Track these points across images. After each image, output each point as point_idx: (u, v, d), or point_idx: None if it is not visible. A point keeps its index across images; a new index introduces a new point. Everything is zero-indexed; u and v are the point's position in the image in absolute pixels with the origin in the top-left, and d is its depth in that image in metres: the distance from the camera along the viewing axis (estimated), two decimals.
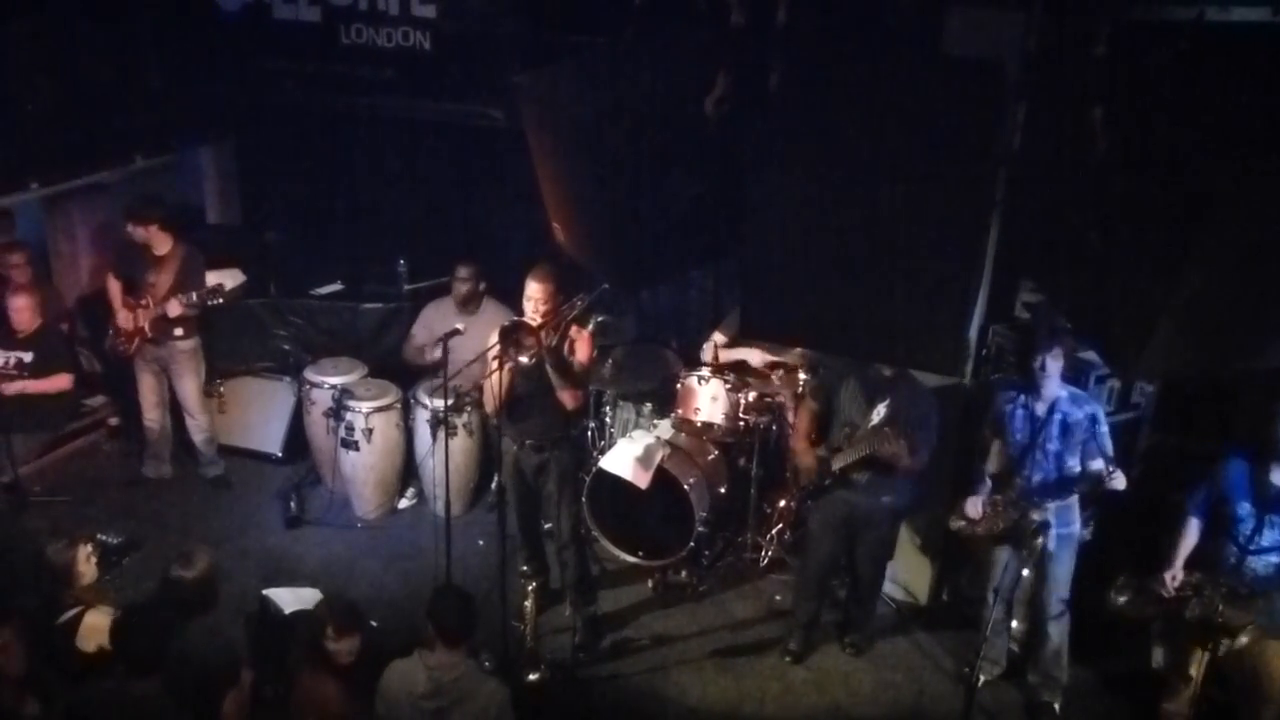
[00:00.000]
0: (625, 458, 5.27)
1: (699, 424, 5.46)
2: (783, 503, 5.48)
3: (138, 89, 5.89)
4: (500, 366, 4.27)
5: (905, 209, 3.80)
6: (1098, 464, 4.05)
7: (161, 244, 5.57)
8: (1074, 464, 4.17)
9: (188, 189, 6.91)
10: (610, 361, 5.87)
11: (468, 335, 4.78)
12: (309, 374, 5.97)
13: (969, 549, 4.48)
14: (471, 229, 6.54)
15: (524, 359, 4.19)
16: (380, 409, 5.74)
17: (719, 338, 5.67)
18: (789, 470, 5.00)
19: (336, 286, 6.49)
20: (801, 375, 5.39)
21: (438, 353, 4.59)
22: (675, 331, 6.42)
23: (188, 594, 3.78)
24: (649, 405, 5.76)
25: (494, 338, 4.26)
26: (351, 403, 5.72)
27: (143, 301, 5.59)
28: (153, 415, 5.87)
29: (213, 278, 5.59)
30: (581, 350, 4.51)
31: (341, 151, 6.65)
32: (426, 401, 5.64)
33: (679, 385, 5.52)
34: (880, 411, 4.34)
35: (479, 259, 5.72)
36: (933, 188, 3.73)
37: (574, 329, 4.54)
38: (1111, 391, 4.66)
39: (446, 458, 4.72)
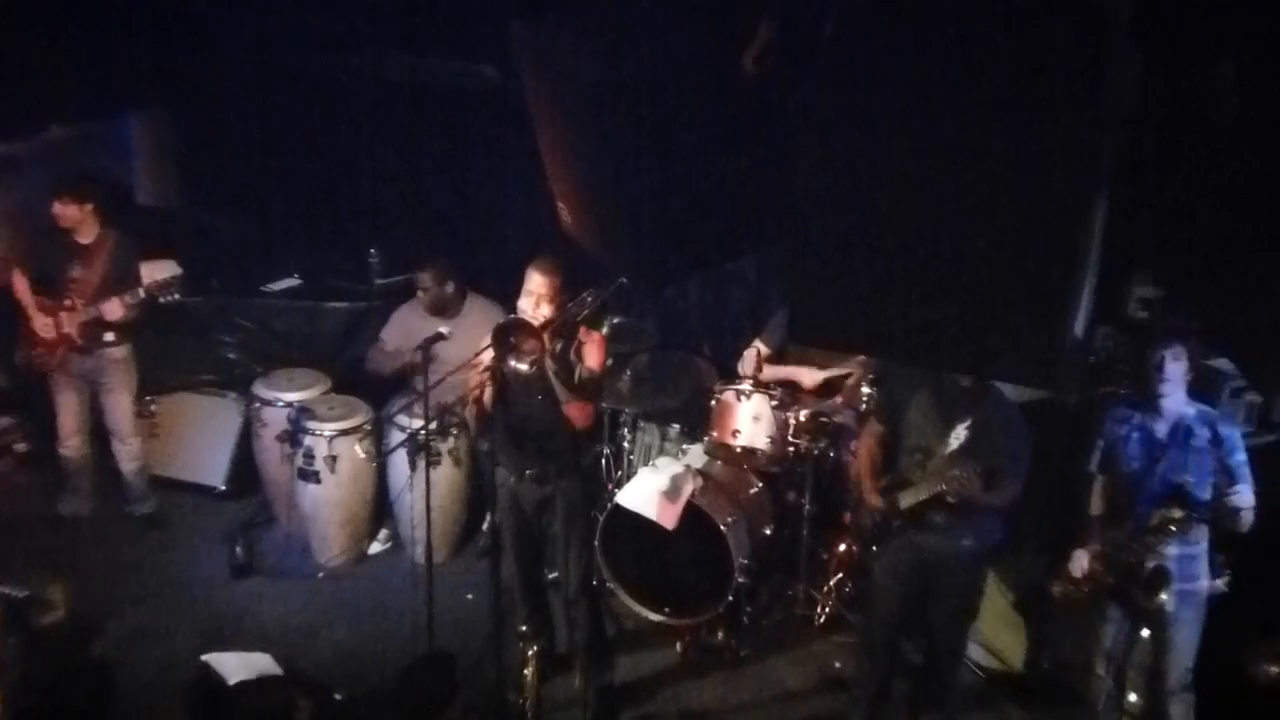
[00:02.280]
0: (647, 492, 5.36)
1: (739, 450, 5.54)
2: (842, 547, 5.55)
3: (54, 47, 6.00)
4: (493, 376, 4.33)
5: (989, 185, 3.82)
6: (1233, 498, 4.06)
7: (89, 230, 5.65)
8: (1202, 497, 4.15)
9: (111, 163, 7.01)
10: (628, 373, 5.99)
11: (454, 340, 4.91)
12: (259, 389, 6.08)
13: (1074, 609, 4.55)
14: (460, 213, 6.68)
15: (522, 366, 4.25)
16: (346, 432, 5.83)
17: (763, 345, 5.82)
18: (849, 507, 5.08)
19: (293, 282, 6.66)
20: (865, 390, 5.44)
21: (415, 357, 4.73)
22: (709, 336, 6.57)
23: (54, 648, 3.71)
24: (676, 427, 5.89)
25: (486, 340, 4.32)
26: (311, 424, 5.82)
27: (66, 302, 5.65)
28: (72, 441, 5.95)
29: (145, 272, 5.71)
30: (592, 357, 4.57)
31: (301, 120, 6.75)
32: (404, 422, 5.74)
33: (713, 402, 5.60)
34: (959, 434, 4.40)
35: (446, 257, 5.85)
36: (1023, 160, 3.75)
37: (583, 332, 4.60)
38: (1250, 408, 4.68)
39: (428, 492, 4.79)
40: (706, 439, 5.61)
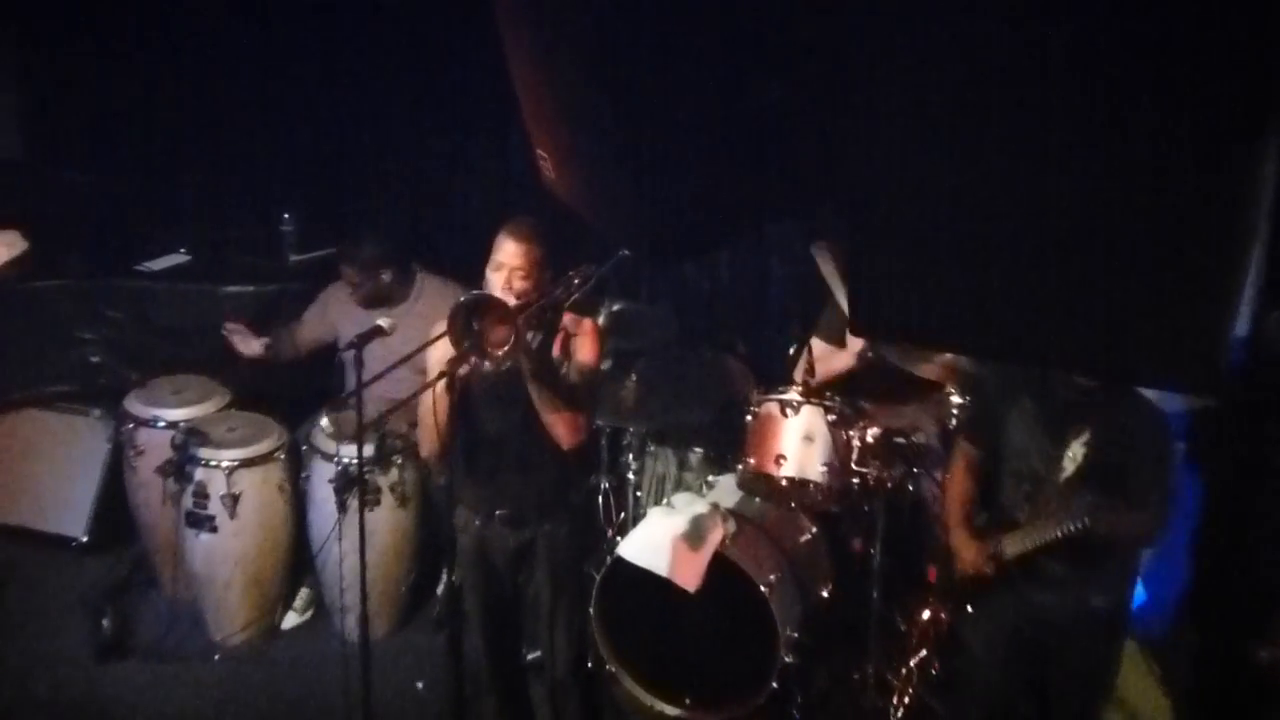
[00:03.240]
0: (660, 541, 5.44)
1: (785, 482, 5.56)
2: (926, 613, 5.39)
3: None
4: (450, 381, 4.35)
5: (1126, 130, 3.80)
6: None
7: None
8: None
9: None
10: (634, 378, 6.08)
11: (400, 336, 4.94)
12: (134, 404, 6.15)
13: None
14: (405, 164, 6.81)
15: (490, 365, 4.33)
16: (252, 461, 5.91)
17: (817, 342, 5.89)
18: (935, 559, 5.11)
19: (180, 258, 6.74)
20: (954, 400, 5.46)
21: (345, 358, 4.82)
22: (743, 328, 6.66)
23: None
24: (699, 451, 6.01)
25: (440, 329, 4.37)
26: (204, 452, 5.87)
27: None
28: None
29: None
30: (584, 353, 4.68)
31: (186, 41, 6.82)
32: (330, 448, 5.80)
33: (750, 417, 5.66)
34: (1076, 452, 4.50)
35: (379, 235, 6.03)
36: (1172, 100, 3.73)
37: (571, 320, 4.71)
38: None
39: (363, 542, 4.74)
40: (741, 468, 5.67)
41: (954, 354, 5.38)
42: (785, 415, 5.57)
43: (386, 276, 5.96)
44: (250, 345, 6.11)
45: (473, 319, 4.26)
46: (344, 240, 6.11)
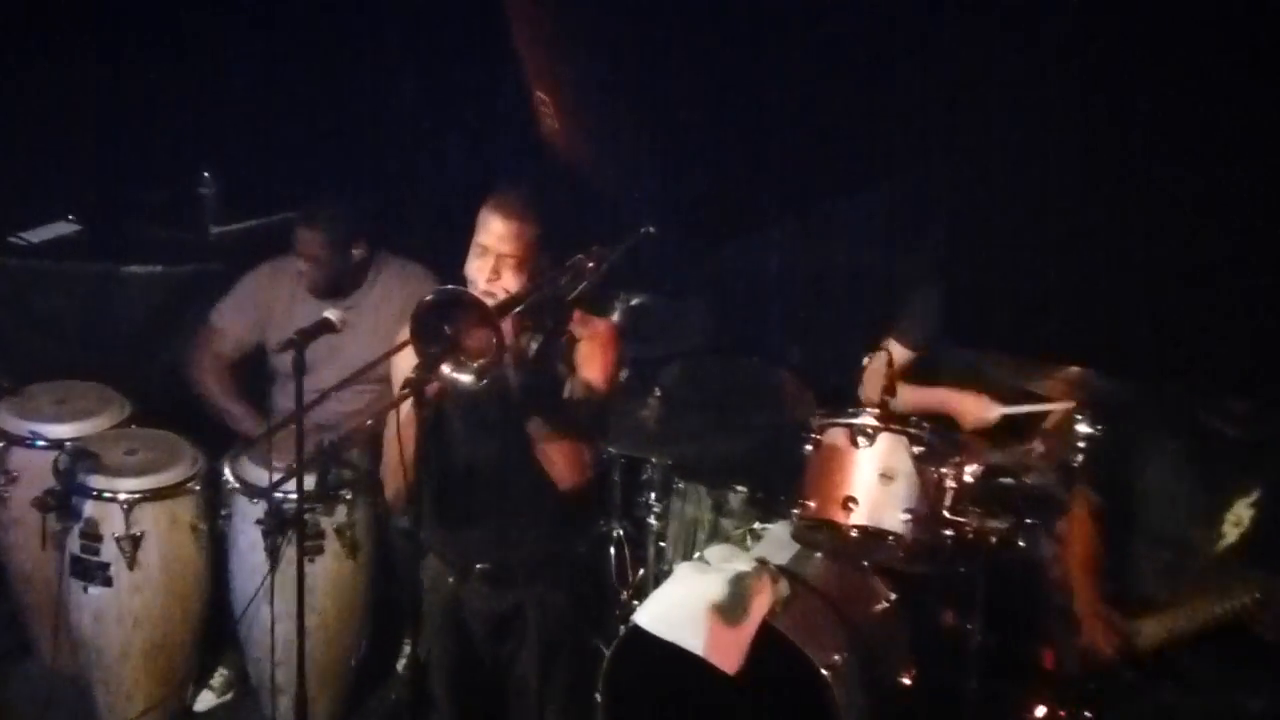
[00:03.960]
0: (690, 606, 5.42)
1: (854, 532, 5.50)
2: (1041, 711, 5.38)
3: None
4: (417, 397, 4.33)
5: None
6: None
7: None
8: None
9: None
10: (658, 394, 6.13)
11: (352, 334, 5.04)
12: (3, 416, 6.24)
13: None
14: (359, 111, 6.90)
15: (466, 378, 4.32)
16: (160, 494, 5.91)
17: (899, 349, 5.89)
18: (1052, 638, 5.10)
19: (67, 228, 6.83)
20: (1080, 430, 5.28)
21: (278, 363, 5.01)
22: (799, 330, 6.63)
23: None
24: (742, 490, 6.02)
25: (403, 331, 4.39)
26: (97, 480, 5.88)
27: None
28: None
29: None
30: (593, 362, 4.75)
31: None
32: (258, 479, 5.83)
33: (809, 447, 5.64)
34: (1241, 514, 4.51)
35: (339, 199, 6.13)
36: None
37: (578, 319, 4.79)
38: None
39: (301, 602, 4.73)
40: (796, 513, 5.63)
41: (1083, 368, 5.33)
42: (856, 446, 5.52)
43: (359, 252, 6.05)
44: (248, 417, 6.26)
45: (444, 320, 4.29)
46: (307, 202, 6.14)
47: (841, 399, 5.90)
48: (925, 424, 5.57)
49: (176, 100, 7.13)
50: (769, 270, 6.69)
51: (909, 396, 5.80)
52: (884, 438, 5.51)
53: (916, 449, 5.49)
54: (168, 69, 7.15)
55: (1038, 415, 5.77)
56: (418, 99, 6.92)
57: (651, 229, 5.32)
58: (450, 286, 4.41)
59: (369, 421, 5.08)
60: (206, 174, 6.74)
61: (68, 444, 6.00)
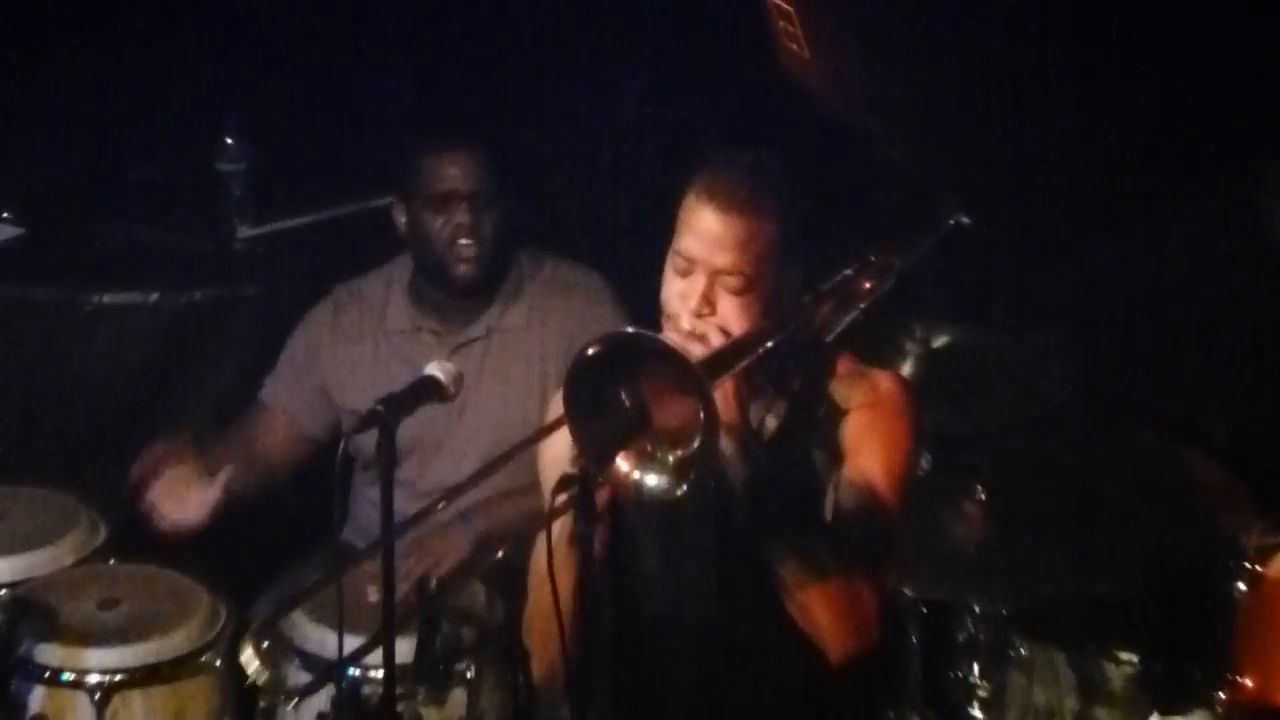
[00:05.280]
0: None
1: None
2: None
3: None
4: (579, 504, 3.53)
5: None
6: None
7: None
8: None
9: None
10: (980, 496, 5.22)
11: (472, 400, 4.88)
12: None
13: None
14: (472, 51, 6.47)
15: (657, 477, 3.58)
16: (155, 675, 4.87)
17: None
18: None
19: (9, 232, 6.09)
20: None
21: (355, 451, 4.88)
22: (1221, 391, 5.68)
23: None
24: (1128, 659, 5.24)
25: (556, 404, 3.73)
26: (52, 652, 4.87)
27: None
28: None
29: None
30: (874, 449, 3.96)
31: None
32: (316, 644, 4.80)
33: (1244, 586, 4.86)
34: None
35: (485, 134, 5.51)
36: None
37: (846, 375, 4.04)
38: None
39: None
40: (1225, 696, 4.89)
41: None
42: None
43: (496, 219, 5.16)
44: (190, 498, 5.11)
45: (620, 382, 3.54)
46: (429, 125, 5.77)
47: None
48: None
49: (190, 51, 6.29)
50: (1170, 286, 5.65)
51: None
52: None
53: None
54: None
55: None
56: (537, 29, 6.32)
57: (965, 218, 4.64)
58: (631, 329, 3.69)
59: (499, 552, 4.54)
60: (230, 141, 5.75)
61: (3, 591, 5.02)
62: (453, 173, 5.18)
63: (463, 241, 5.18)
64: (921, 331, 5.25)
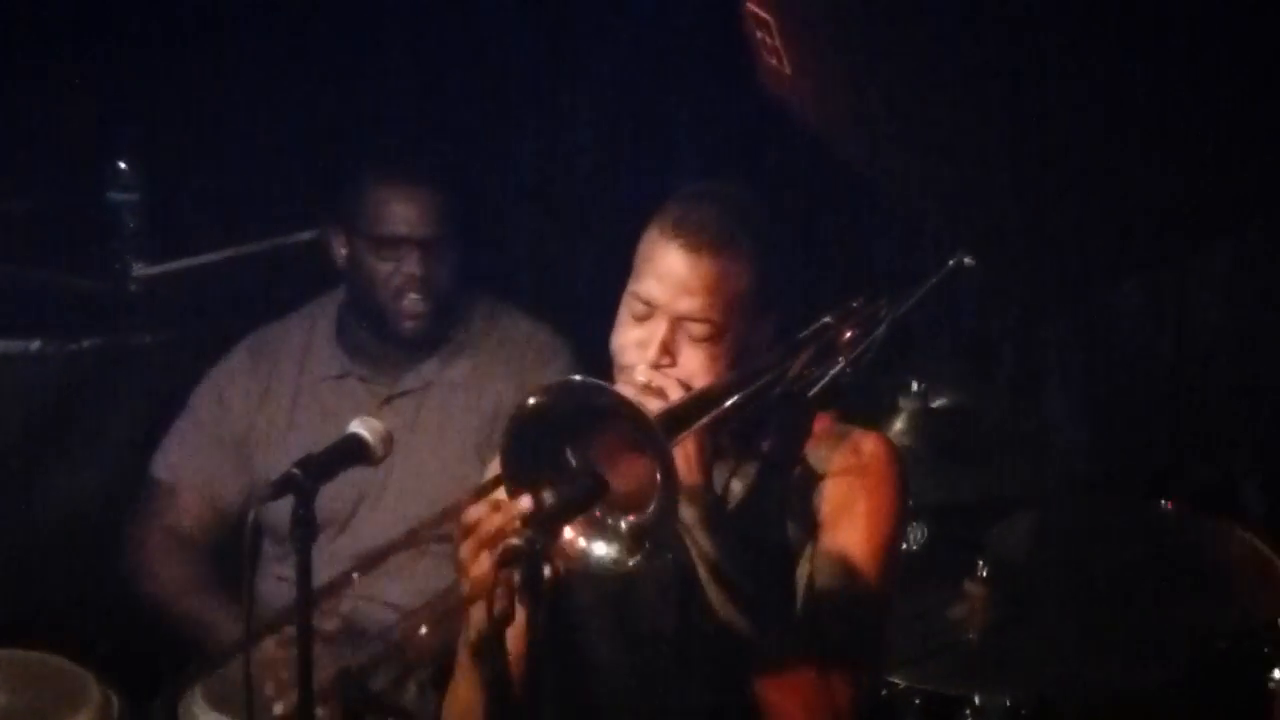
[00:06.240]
0: None
1: None
2: None
3: None
4: (528, 565, 3.23)
5: None
6: None
7: None
8: None
9: None
10: (982, 574, 4.98)
11: (400, 462, 4.63)
12: None
13: None
14: (401, 65, 6.23)
15: (606, 548, 3.29)
16: None
17: None
18: None
19: None
20: None
21: (277, 528, 4.43)
22: (1263, 456, 5.60)
23: None
24: None
25: (494, 464, 3.48)
26: None
27: None
28: None
29: None
30: (855, 521, 3.73)
31: None
32: None
33: None
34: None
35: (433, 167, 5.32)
36: None
37: (824, 434, 3.81)
38: None
39: None
40: None
41: None
42: None
43: (449, 257, 5.04)
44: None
45: (566, 440, 3.24)
46: (381, 152, 5.37)
47: None
48: None
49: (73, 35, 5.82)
50: (1198, 335, 5.68)
51: None
52: None
53: None
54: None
55: None
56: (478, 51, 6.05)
57: (968, 259, 4.46)
58: (579, 377, 3.32)
59: (423, 628, 3.80)
60: (124, 165, 5.49)
61: None
62: (406, 214, 4.98)
63: (412, 295, 4.99)
64: (919, 388, 5.05)
